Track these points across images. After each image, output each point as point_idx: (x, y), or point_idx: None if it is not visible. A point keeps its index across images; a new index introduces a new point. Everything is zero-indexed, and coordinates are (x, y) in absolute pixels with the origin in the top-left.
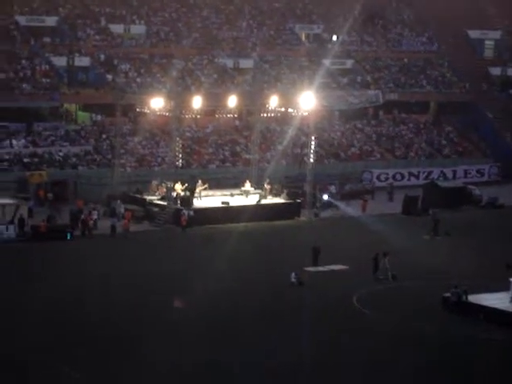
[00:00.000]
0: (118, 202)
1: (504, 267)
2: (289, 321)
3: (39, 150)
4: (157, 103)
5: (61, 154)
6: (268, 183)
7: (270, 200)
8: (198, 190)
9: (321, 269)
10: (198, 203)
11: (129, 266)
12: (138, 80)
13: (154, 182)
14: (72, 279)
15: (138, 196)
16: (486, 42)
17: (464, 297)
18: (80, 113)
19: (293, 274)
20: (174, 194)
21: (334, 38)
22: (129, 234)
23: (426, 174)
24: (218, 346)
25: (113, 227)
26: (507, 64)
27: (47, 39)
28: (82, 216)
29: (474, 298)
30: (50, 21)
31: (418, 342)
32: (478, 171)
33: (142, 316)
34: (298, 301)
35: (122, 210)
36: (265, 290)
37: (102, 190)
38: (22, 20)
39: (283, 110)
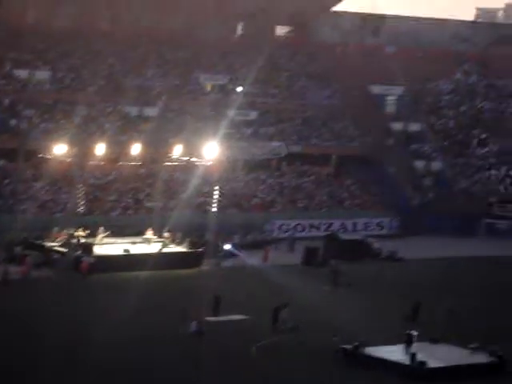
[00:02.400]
0: (19, 247)
1: (402, 319)
2: (185, 371)
3: None
4: (60, 149)
5: None
6: (169, 231)
7: (173, 248)
8: (99, 237)
9: (221, 319)
10: (99, 250)
11: (26, 313)
12: (42, 126)
13: (55, 229)
14: None
15: (39, 242)
16: (388, 98)
17: (362, 349)
18: None
19: (193, 323)
20: (75, 241)
21: (239, 89)
22: (27, 280)
23: (326, 225)
24: None
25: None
26: (409, 119)
27: None
28: None
29: (371, 351)
30: None
31: None
32: (378, 224)
33: (37, 365)
34: (197, 351)
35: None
36: (165, 339)
37: (2, 236)
38: None
39: (187, 158)
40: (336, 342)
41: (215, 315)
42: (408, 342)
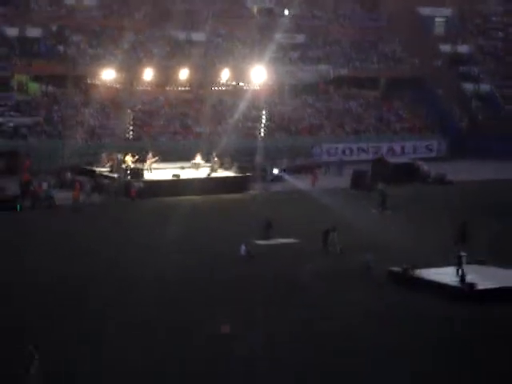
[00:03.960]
0: (69, 173)
1: (452, 242)
2: (236, 291)
3: None
4: (108, 75)
5: (11, 124)
6: (217, 156)
7: (221, 173)
8: (148, 163)
9: (272, 242)
10: (148, 175)
11: (79, 234)
12: (90, 52)
13: (104, 154)
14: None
15: (89, 168)
16: (437, 19)
17: (411, 271)
18: (31, 84)
19: (242, 247)
20: (125, 166)
21: (286, 12)
22: (78, 205)
23: (375, 149)
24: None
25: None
26: (457, 41)
27: None
28: (32, 187)
29: (422, 273)
30: None
31: (367, 314)
32: (426, 147)
33: (100, 283)
34: (247, 273)
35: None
36: (214, 262)
37: (53, 162)
38: None
39: (234, 83)
40: (367, 261)
41: (266, 239)
42: (458, 263)
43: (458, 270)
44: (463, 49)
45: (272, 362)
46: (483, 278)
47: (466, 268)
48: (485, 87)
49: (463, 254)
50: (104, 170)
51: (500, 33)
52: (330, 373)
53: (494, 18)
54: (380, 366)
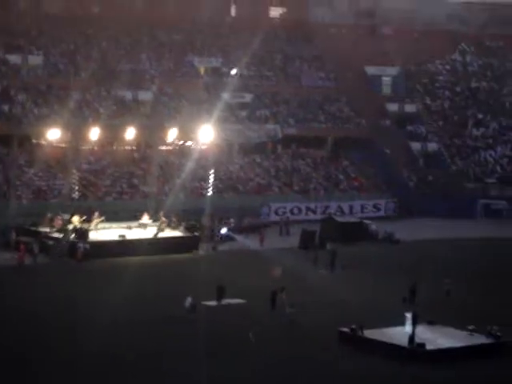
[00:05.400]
0: (14, 233)
1: (400, 301)
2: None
3: None
4: (54, 134)
5: None
6: (164, 216)
7: (168, 233)
8: (94, 223)
9: (218, 303)
10: (94, 236)
11: (23, 298)
12: (35, 111)
13: (49, 215)
14: None
15: (34, 228)
16: (383, 79)
17: (360, 331)
18: None
19: (188, 299)
20: (71, 227)
21: (233, 71)
22: (23, 267)
23: (323, 208)
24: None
25: None
26: (404, 100)
27: None
28: None
29: (369, 333)
30: None
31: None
32: (374, 206)
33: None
34: (194, 335)
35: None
36: (161, 319)
37: None
38: None
39: (182, 142)
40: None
41: (218, 301)
42: (413, 322)
43: (412, 329)
44: (410, 108)
45: None
46: (433, 338)
47: (417, 328)
48: (432, 145)
49: (414, 313)
50: (49, 230)
51: (447, 92)
52: None
53: (440, 77)
54: None
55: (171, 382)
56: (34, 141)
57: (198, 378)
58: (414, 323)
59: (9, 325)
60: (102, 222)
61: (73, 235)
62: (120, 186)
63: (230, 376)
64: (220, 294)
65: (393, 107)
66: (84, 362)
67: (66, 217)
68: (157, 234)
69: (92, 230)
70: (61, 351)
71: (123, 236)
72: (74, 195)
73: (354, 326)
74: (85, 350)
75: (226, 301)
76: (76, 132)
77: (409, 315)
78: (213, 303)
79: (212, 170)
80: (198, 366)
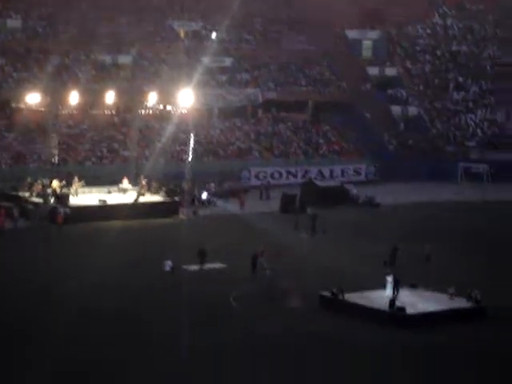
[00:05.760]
0: None
1: (381, 265)
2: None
3: None
4: (33, 99)
5: None
6: (145, 180)
7: (148, 198)
8: (74, 187)
9: (199, 267)
10: (74, 200)
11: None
12: (14, 75)
13: (29, 179)
14: None
15: (14, 193)
16: (364, 42)
17: (341, 295)
18: None
19: (168, 263)
20: (51, 191)
21: (213, 35)
22: (3, 231)
23: (303, 172)
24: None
25: None
26: (385, 64)
27: None
28: None
29: (351, 297)
30: None
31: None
32: (355, 170)
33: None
34: (175, 300)
35: None
36: (141, 284)
37: None
38: None
39: (162, 107)
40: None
41: (200, 265)
42: (395, 286)
43: (394, 292)
44: (391, 71)
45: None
46: (413, 302)
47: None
48: (413, 109)
49: (395, 277)
50: (29, 195)
51: (427, 55)
52: None
53: (421, 41)
54: None
55: (151, 347)
56: (13, 105)
57: (177, 343)
58: (396, 287)
59: None
60: (82, 186)
61: (53, 200)
62: (100, 150)
63: (211, 342)
64: (202, 257)
65: (373, 71)
66: (61, 323)
67: (46, 181)
68: (137, 198)
69: (72, 194)
70: (38, 314)
71: (103, 201)
72: (53, 160)
73: (334, 290)
74: (63, 313)
75: (207, 265)
76: (55, 96)
77: (390, 279)
78: (194, 267)
79: (192, 135)
80: (178, 331)
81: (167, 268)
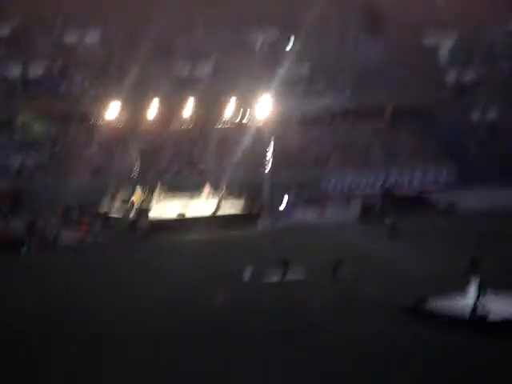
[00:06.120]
0: (75, 213)
1: (462, 274)
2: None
3: None
4: (112, 113)
5: (16, 164)
6: (224, 193)
7: (227, 210)
8: (154, 200)
9: (280, 279)
10: (153, 214)
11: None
12: (93, 89)
13: (110, 193)
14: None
15: (95, 207)
16: (441, 48)
17: (422, 303)
18: (34, 123)
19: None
20: (131, 205)
21: (290, 44)
22: (85, 246)
23: (382, 180)
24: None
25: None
26: (462, 70)
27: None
28: (38, 227)
29: (433, 306)
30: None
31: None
32: (434, 177)
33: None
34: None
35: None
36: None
37: (58, 201)
38: None
39: (240, 118)
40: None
41: (282, 278)
42: (480, 292)
43: (477, 300)
44: (468, 77)
45: None
46: (497, 308)
47: (482, 298)
48: (492, 115)
49: (481, 283)
50: (110, 209)
51: (505, 60)
52: None
53: (498, 46)
54: None
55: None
56: (93, 119)
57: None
58: (481, 293)
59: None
60: (163, 198)
61: (133, 213)
62: (179, 163)
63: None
64: (285, 268)
65: (451, 77)
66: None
67: (127, 195)
68: (216, 210)
69: (152, 207)
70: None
71: (182, 214)
72: (133, 174)
73: (416, 299)
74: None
75: (288, 276)
76: (134, 110)
77: (471, 286)
78: (275, 278)
79: (270, 145)
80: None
81: (246, 278)
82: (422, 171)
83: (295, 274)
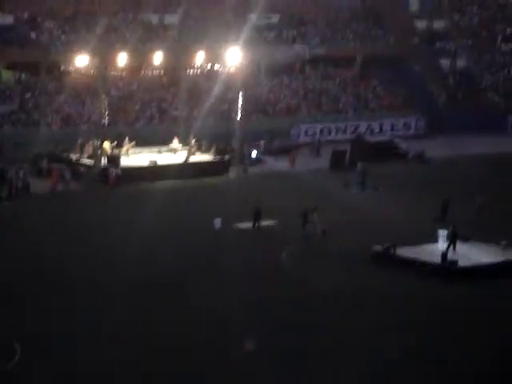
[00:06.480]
0: (45, 161)
1: (432, 220)
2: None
3: None
4: (82, 61)
5: None
6: (195, 140)
7: (198, 157)
8: (125, 148)
9: (250, 224)
10: (125, 161)
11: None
12: (63, 37)
13: (80, 141)
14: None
15: (65, 155)
16: None
17: (392, 250)
18: (4, 72)
19: (217, 220)
20: (102, 152)
21: None
22: (56, 193)
23: (353, 128)
24: None
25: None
26: (432, 17)
27: None
28: (8, 176)
29: (402, 251)
30: None
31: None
32: (404, 125)
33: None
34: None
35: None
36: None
37: (28, 150)
38: None
39: (210, 66)
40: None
41: (254, 225)
42: (451, 239)
43: (450, 246)
44: (439, 24)
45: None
46: (466, 254)
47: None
48: (462, 62)
49: (453, 230)
50: (80, 156)
51: (475, 7)
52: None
53: None
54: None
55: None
56: (62, 68)
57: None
58: (453, 240)
59: (43, 246)
60: (133, 147)
61: (104, 161)
62: (149, 110)
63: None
64: (257, 216)
65: (421, 24)
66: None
67: (97, 143)
68: (187, 158)
69: (123, 155)
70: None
71: (154, 161)
72: (103, 121)
73: (386, 245)
74: (114, 276)
75: (260, 223)
76: (103, 58)
77: (442, 233)
78: (246, 225)
79: (240, 93)
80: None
81: (217, 226)
82: (393, 118)
83: (267, 222)
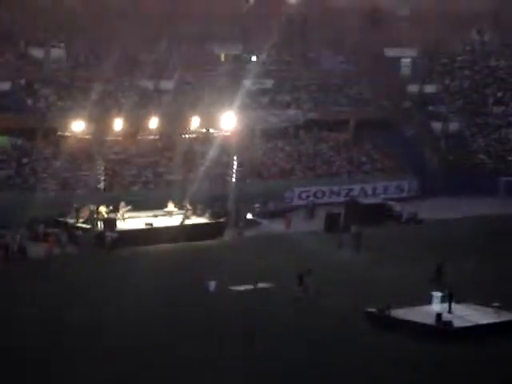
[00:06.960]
0: (42, 225)
1: (427, 282)
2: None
3: None
4: (78, 126)
5: None
6: (190, 203)
7: (194, 220)
8: (121, 212)
9: (246, 287)
10: (121, 225)
11: (53, 290)
12: (59, 104)
13: (76, 206)
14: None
15: (61, 219)
16: (403, 60)
17: (387, 311)
18: (0, 137)
19: (212, 283)
20: (98, 217)
21: (254, 58)
22: (52, 258)
23: (346, 191)
24: None
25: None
26: (424, 81)
27: None
28: (5, 240)
29: (396, 313)
30: None
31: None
32: (397, 187)
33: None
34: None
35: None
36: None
37: (25, 214)
38: None
39: (205, 130)
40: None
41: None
42: (449, 300)
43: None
44: (430, 88)
45: None
46: (460, 315)
47: (443, 306)
48: (454, 125)
49: (449, 292)
50: (77, 221)
51: (466, 71)
52: None
53: (459, 58)
54: None
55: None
56: (59, 133)
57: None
58: (449, 302)
59: (41, 312)
60: (129, 211)
61: (100, 225)
62: (145, 175)
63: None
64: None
65: (413, 88)
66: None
67: (93, 207)
68: (183, 221)
69: (119, 219)
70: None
71: (150, 224)
72: (99, 186)
73: (380, 306)
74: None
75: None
76: (100, 123)
77: (436, 294)
78: (241, 288)
79: (235, 157)
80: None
81: (211, 288)
82: (386, 181)
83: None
